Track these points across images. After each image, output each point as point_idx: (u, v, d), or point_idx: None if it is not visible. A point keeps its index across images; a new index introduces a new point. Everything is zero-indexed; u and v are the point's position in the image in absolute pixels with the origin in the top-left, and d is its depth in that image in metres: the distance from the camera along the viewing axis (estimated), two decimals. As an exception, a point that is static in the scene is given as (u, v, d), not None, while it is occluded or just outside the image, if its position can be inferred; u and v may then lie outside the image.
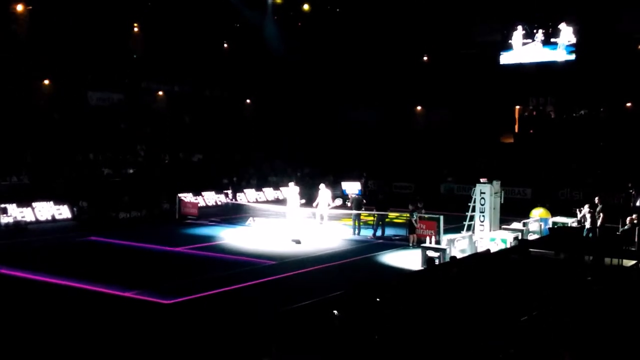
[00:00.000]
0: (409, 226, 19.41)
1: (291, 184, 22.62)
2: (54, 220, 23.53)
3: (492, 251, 14.92)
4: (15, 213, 22.36)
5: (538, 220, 20.22)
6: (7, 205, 22.20)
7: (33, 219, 22.84)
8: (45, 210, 23.49)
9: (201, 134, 35.92)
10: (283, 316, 9.44)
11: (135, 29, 35.58)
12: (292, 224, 20.76)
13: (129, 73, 34.88)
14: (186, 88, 37.88)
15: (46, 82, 31.50)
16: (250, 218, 23.54)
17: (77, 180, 25.79)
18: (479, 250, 16.56)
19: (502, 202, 19.12)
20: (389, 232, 21.36)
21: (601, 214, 18.27)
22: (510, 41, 36.95)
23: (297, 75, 39.70)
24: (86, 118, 31.52)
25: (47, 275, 14.61)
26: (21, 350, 9.97)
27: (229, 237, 20.87)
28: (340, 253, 18.46)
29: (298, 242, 19.35)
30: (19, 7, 29.88)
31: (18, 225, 21.76)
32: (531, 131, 40.07)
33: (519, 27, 36.88)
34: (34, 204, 23.15)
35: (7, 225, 21.62)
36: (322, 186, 22.58)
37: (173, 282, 14.52)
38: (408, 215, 19.53)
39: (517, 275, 11.56)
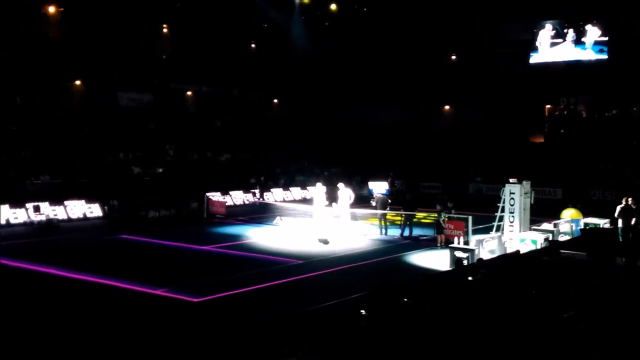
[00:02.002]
0: (437, 226, 19.26)
1: (318, 184, 22.56)
2: (85, 218, 23.91)
3: (521, 252, 14.74)
4: (48, 211, 22.79)
5: (569, 221, 19.90)
6: (40, 204, 22.63)
7: (65, 217, 23.24)
8: (77, 209, 23.89)
9: (229, 133, 36.18)
10: (310, 315, 9.46)
11: (165, 30, 35.98)
12: (319, 224, 20.75)
13: (158, 74, 35.30)
14: (214, 88, 38.19)
15: (78, 83, 32.07)
16: (278, 217, 23.61)
17: (107, 179, 26.17)
18: (509, 251, 16.36)
19: (532, 202, 18.86)
20: (417, 232, 21.22)
21: (634, 216, 17.91)
22: (537, 41, 36.52)
23: (325, 75, 39.71)
24: (116, 118, 32.03)
25: (79, 273, 14.84)
26: (53, 345, 10.14)
27: (257, 236, 20.97)
28: (367, 253, 18.41)
29: (325, 242, 19.31)
30: (51, 9, 30.45)
31: (50, 223, 22.17)
32: (562, 131, 39.46)
33: (546, 26, 36.43)
34: (66, 203, 23.56)
35: (40, 223, 22.03)
36: (341, 185, 22.41)
37: (201, 280, 14.65)
38: (436, 215, 19.40)
39: (548, 276, 11.39)
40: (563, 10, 36.11)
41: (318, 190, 21.54)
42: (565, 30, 36.11)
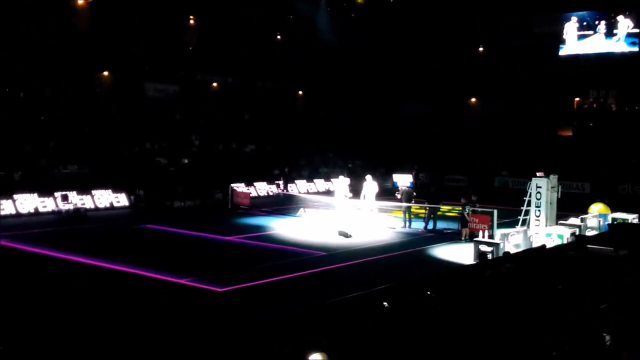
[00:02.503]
0: (461, 220, 19.14)
1: (341, 176, 22.52)
2: (112, 207, 24.23)
3: (547, 247, 14.56)
4: (76, 200, 23.13)
5: (597, 216, 19.59)
6: (68, 193, 22.98)
7: (92, 206, 23.57)
8: (104, 198, 24.22)
9: (254, 124, 36.30)
10: (332, 307, 9.47)
11: (191, 22, 36.17)
12: (341, 216, 20.68)
13: (184, 65, 35.53)
14: (239, 79, 38.30)
15: (105, 74, 32.44)
16: (301, 209, 23.67)
17: (134, 169, 26.46)
18: (534, 245, 16.19)
19: (559, 196, 18.60)
20: (441, 225, 21.10)
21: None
22: (564, 34, 35.96)
23: (350, 66, 39.58)
24: (143, 109, 32.34)
25: (106, 261, 15.07)
26: (80, 332, 10.32)
27: (280, 227, 21.05)
28: (390, 245, 18.37)
29: (346, 235, 19.17)
30: (80, 1, 30.81)
31: (78, 212, 22.50)
32: (591, 124, 38.82)
33: (572, 19, 35.84)
34: (93, 192, 23.89)
35: (67, 212, 22.38)
36: (368, 177, 22.43)
37: (226, 271, 14.77)
38: (460, 208, 19.26)
39: (574, 271, 11.25)
40: (595, 1, 35.47)
41: (340, 183, 21.49)
42: (597, 22, 35.46)
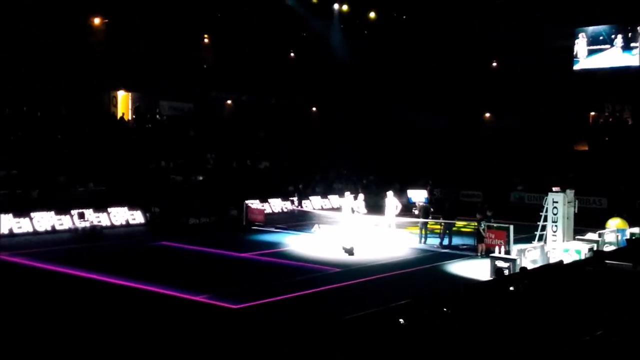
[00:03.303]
0: (477, 235, 19.01)
1: (347, 192, 22.44)
2: (128, 225, 24.35)
3: (565, 262, 14.41)
4: (92, 218, 23.28)
5: (615, 231, 19.33)
6: (85, 211, 23.14)
7: (108, 224, 23.69)
8: (120, 216, 24.36)
9: (268, 141, 36.46)
10: (348, 324, 9.43)
11: (206, 40, 36.56)
12: (347, 233, 20.29)
13: (199, 83, 35.87)
14: (253, 97, 38.56)
15: (121, 92, 32.81)
16: (316, 225, 23.64)
17: (149, 187, 26.62)
18: (551, 261, 16.01)
19: (576, 211, 18.43)
20: (456, 241, 20.96)
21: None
22: (579, 48, 35.90)
23: (364, 82, 39.72)
24: (158, 127, 32.62)
25: (122, 278, 15.12)
26: (94, 350, 10.34)
27: (295, 243, 21.03)
28: (406, 261, 18.27)
29: (350, 252, 18.74)
30: (96, 20, 31.29)
31: (94, 230, 22.63)
32: (607, 138, 38.52)
33: (587, 33, 35.80)
34: (109, 209, 24.05)
35: (84, 229, 22.52)
36: (389, 194, 22.43)
37: (241, 287, 14.76)
38: (476, 224, 19.13)
39: (592, 287, 11.11)
40: (611, 15, 35.37)
41: (347, 200, 21.36)
42: (614, 36, 35.34)
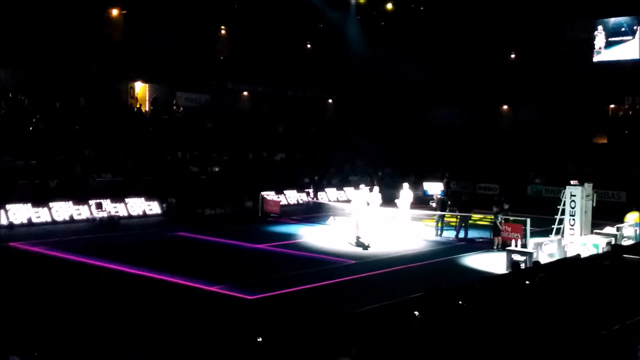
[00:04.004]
0: (494, 228, 18.90)
1: (361, 185, 22.20)
2: (144, 215, 24.53)
3: (582, 256, 14.29)
4: (109, 208, 23.49)
5: (633, 225, 19.15)
6: (102, 201, 23.36)
7: (125, 214, 23.89)
8: (137, 206, 24.54)
9: (284, 133, 36.46)
10: (362, 316, 9.42)
11: (222, 32, 36.58)
12: (358, 227, 19.79)
13: (215, 74, 35.93)
14: (269, 88, 38.56)
15: (138, 83, 32.97)
16: (331, 217, 23.64)
17: (166, 178, 26.79)
18: (569, 255, 15.89)
19: (594, 205, 18.26)
20: (472, 234, 20.87)
21: None
22: (599, 40, 35.38)
23: (380, 74, 39.52)
24: (175, 118, 32.75)
25: (138, 268, 15.24)
26: (111, 338, 10.45)
27: (310, 235, 21.05)
28: (421, 254, 18.23)
29: (364, 247, 18.60)
30: (114, 12, 31.44)
31: (112, 220, 22.85)
32: (626, 131, 38.01)
33: (608, 24, 35.25)
34: (126, 200, 24.24)
35: (101, 219, 22.74)
36: (405, 186, 22.33)
37: (256, 278, 14.82)
38: (492, 217, 19.02)
39: (610, 282, 11.00)
40: (634, 6, 34.79)
41: (361, 193, 21.13)
42: (636, 28, 34.80)
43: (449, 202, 21.83)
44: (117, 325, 11.09)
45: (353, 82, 39.85)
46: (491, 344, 7.87)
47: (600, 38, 35.92)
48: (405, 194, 21.94)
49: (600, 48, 36.03)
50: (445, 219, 21.62)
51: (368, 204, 19.95)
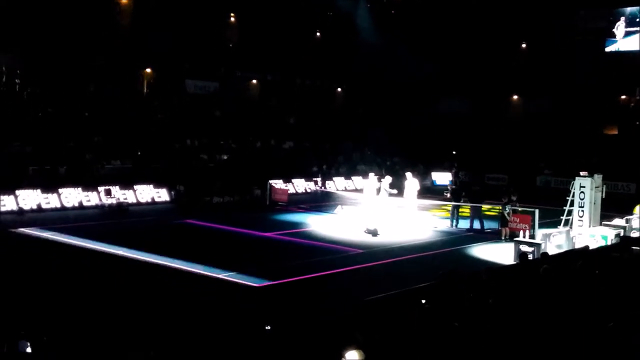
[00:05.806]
0: (501, 219, 18.84)
1: (370, 174, 22.10)
2: (153, 202, 24.64)
3: (591, 248, 14.23)
4: (118, 195, 23.60)
5: (642, 217, 19.04)
6: (111, 187, 23.46)
7: (134, 201, 24.00)
8: (146, 193, 24.65)
9: (292, 121, 36.42)
10: (370, 305, 9.45)
11: (232, 19, 36.50)
12: (368, 214, 20.02)
13: (224, 62, 35.88)
14: (278, 76, 38.49)
15: (148, 70, 33.00)
16: (339, 206, 23.64)
17: (175, 165, 26.86)
18: (577, 246, 15.84)
19: (603, 196, 18.16)
20: (485, 225, 20.67)
21: None
22: (614, 30, 34.98)
23: (389, 63, 39.34)
24: (184, 105, 32.79)
25: (146, 254, 15.32)
26: (116, 323, 10.53)
27: (318, 224, 21.07)
28: (429, 244, 18.22)
29: (374, 233, 18.75)
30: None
31: (120, 206, 22.97)
32: (637, 122, 37.73)
33: (623, 14, 34.84)
34: (135, 187, 24.34)
35: (110, 206, 22.86)
36: (408, 175, 22.19)
37: (263, 266, 14.86)
38: (500, 208, 18.96)
39: (618, 274, 10.96)
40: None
41: (370, 181, 21.12)
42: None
43: (464, 193, 21.59)
44: (125, 311, 11.17)
45: (362, 72, 39.69)
46: (497, 334, 7.87)
47: (618, 27, 35.46)
48: (411, 183, 21.76)
49: (617, 37, 35.55)
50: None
51: (379, 192, 19.97)
